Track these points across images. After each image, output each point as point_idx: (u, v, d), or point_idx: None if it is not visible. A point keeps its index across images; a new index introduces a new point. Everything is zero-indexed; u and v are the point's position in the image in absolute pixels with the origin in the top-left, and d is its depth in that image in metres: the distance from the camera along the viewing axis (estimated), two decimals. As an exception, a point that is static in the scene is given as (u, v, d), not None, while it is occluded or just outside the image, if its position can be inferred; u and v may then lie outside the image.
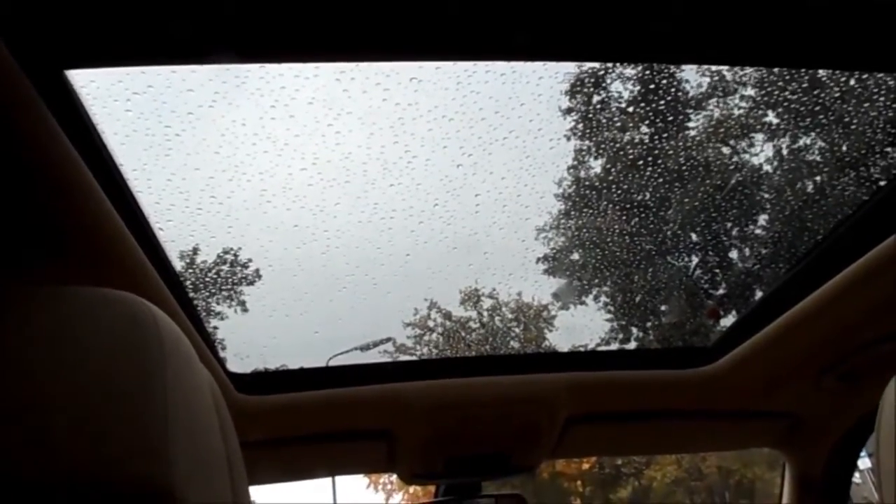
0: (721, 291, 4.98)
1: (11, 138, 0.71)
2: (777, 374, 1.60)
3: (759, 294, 4.72)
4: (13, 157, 0.73)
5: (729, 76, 3.46)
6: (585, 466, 12.66)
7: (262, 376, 1.61)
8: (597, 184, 3.54)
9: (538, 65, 1.36)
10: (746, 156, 3.85)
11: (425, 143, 1.62)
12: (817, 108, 2.72)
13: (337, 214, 1.78)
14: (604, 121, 3.44)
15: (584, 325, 5.89)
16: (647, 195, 3.16)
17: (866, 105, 2.53)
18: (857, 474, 1.85)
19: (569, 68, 3.03)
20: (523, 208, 2.02)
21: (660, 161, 3.14)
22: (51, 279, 0.91)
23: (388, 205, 1.78)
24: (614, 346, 6.16)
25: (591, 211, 3.46)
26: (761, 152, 3.83)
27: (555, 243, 3.99)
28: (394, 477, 7.56)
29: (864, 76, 2.12)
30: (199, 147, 1.46)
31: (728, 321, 6.46)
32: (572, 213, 3.79)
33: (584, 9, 0.79)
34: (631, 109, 3.17)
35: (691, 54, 1.04)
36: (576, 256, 4.19)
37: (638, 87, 3.02)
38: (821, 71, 2.11)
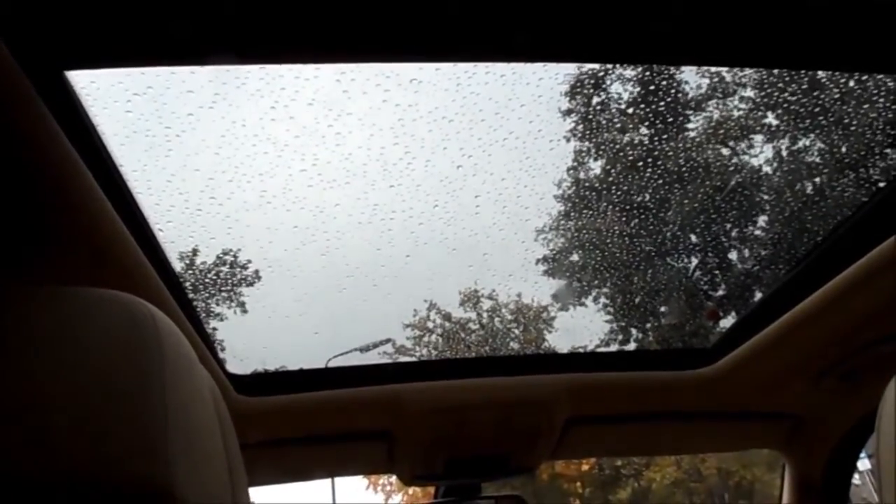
0: (721, 292, 4.98)
1: (11, 139, 0.71)
2: (777, 375, 1.60)
3: (758, 295, 4.72)
4: (13, 158, 0.73)
5: (728, 77, 3.47)
6: (585, 468, 12.66)
7: (262, 377, 1.61)
8: (596, 185, 3.54)
9: (538, 66, 1.36)
10: (746, 157, 3.85)
11: (425, 144, 1.62)
12: (817, 109, 2.72)
13: (337, 215, 1.78)
14: (603, 122, 3.45)
15: (583, 327, 5.90)
16: (647, 196, 3.16)
17: (866, 106, 2.54)
18: (856, 475, 1.85)
19: (569, 69, 3.04)
20: (523, 209, 2.02)
21: (659, 162, 3.14)
22: (50, 279, 0.91)
23: (388, 206, 1.78)
24: (614, 348, 6.17)
25: (590, 212, 3.46)
26: (761, 154, 3.84)
27: (554, 244, 4.00)
28: (393, 478, 7.56)
29: (864, 77, 2.12)
30: (199, 148, 1.46)
31: (728, 322, 6.47)
32: (572, 214, 3.79)
33: (584, 9, 0.79)
34: (630, 111, 3.18)
35: (691, 55, 1.04)
36: (575, 258, 4.19)
37: (637, 89, 3.03)
38: (820, 72, 2.11)
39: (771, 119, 3.66)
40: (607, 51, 1.02)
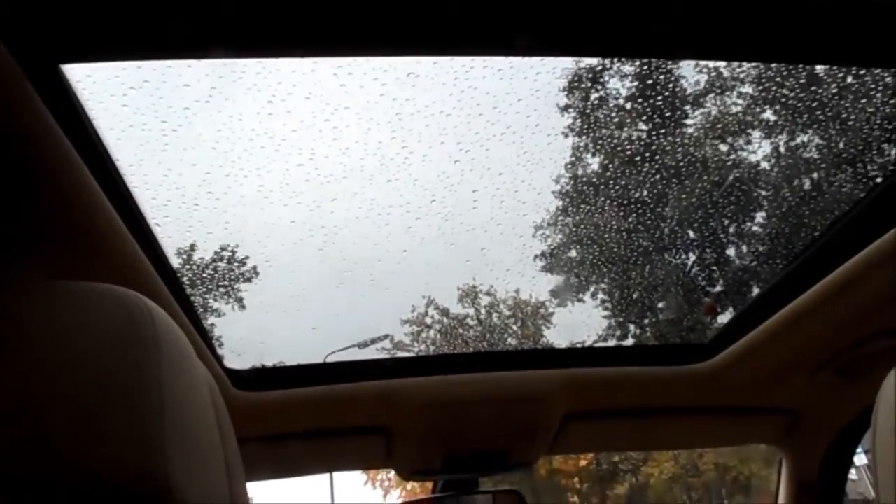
0: (718, 288, 4.98)
1: (6, 133, 0.71)
2: (774, 370, 1.60)
3: (756, 290, 4.73)
4: (8, 152, 0.72)
5: (726, 72, 3.46)
6: (583, 463, 12.70)
7: (260, 373, 1.61)
8: (594, 180, 3.54)
9: (536, 61, 1.36)
10: (744, 152, 3.85)
11: (423, 138, 1.62)
12: (815, 104, 2.72)
13: (334, 210, 1.77)
14: (601, 117, 3.45)
15: (581, 322, 5.91)
16: (645, 192, 3.16)
17: (864, 101, 2.53)
18: (852, 471, 1.86)
19: (567, 64, 3.04)
20: (521, 204, 2.02)
21: (657, 157, 3.14)
22: (46, 275, 0.90)
23: (386, 201, 1.78)
24: (612, 343, 6.18)
25: (588, 207, 3.47)
26: (759, 149, 3.84)
27: (552, 240, 4.01)
28: (391, 473, 7.58)
29: (862, 72, 2.12)
30: (196, 142, 1.45)
31: (725, 318, 6.49)
32: (570, 209, 3.80)
33: (582, 3, 0.79)
34: (628, 106, 3.18)
35: (689, 50, 1.04)
36: (573, 253, 4.20)
37: (635, 84, 3.03)
38: (818, 67, 2.11)
39: (769, 114, 3.66)
40: (605, 45, 1.01)
